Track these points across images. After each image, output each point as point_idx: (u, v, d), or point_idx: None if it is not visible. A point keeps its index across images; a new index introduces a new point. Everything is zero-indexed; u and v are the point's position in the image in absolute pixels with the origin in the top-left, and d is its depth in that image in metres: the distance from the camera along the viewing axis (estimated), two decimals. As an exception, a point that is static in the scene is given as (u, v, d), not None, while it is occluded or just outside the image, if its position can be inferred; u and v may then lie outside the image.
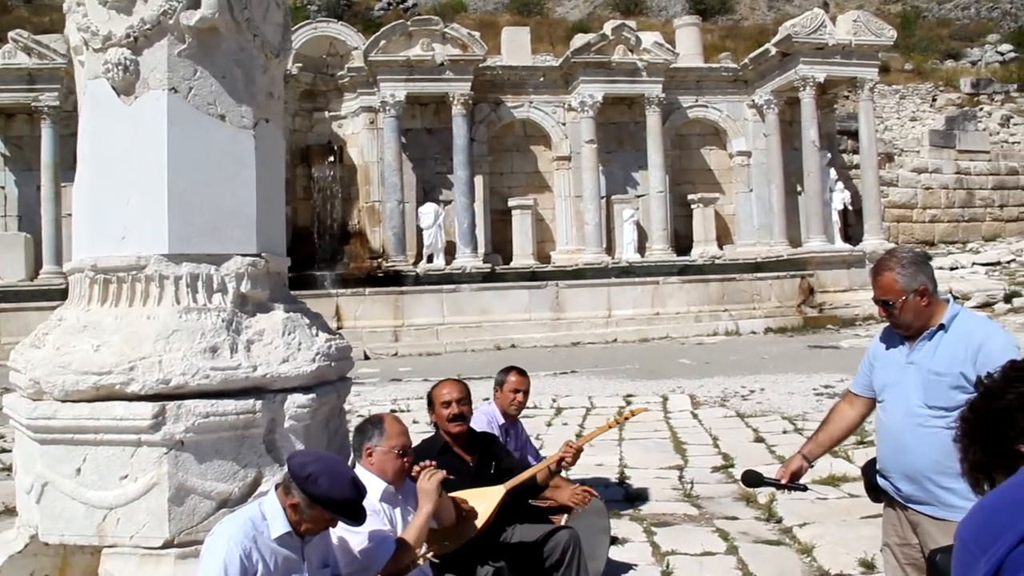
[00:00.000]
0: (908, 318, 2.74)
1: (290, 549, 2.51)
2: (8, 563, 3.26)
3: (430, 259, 18.22)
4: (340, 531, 2.73)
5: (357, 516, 2.51)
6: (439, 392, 3.66)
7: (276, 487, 2.57)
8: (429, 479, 2.93)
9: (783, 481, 3.09)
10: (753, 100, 20.15)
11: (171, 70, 3.36)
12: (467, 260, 18.04)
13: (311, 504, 2.47)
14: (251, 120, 3.52)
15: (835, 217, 19.37)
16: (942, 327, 2.71)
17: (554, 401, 9.74)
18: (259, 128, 3.57)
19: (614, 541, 4.59)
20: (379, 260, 18.65)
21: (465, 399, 3.63)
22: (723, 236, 20.06)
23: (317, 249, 18.79)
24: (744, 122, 20.41)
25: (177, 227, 3.34)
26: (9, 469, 5.04)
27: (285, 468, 2.63)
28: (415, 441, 3.28)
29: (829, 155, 19.91)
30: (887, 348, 2.87)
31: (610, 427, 3.74)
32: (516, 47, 20.54)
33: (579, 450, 3.57)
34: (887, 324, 2.88)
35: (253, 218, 3.50)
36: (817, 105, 19.01)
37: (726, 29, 35.26)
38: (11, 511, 3.84)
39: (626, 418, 3.82)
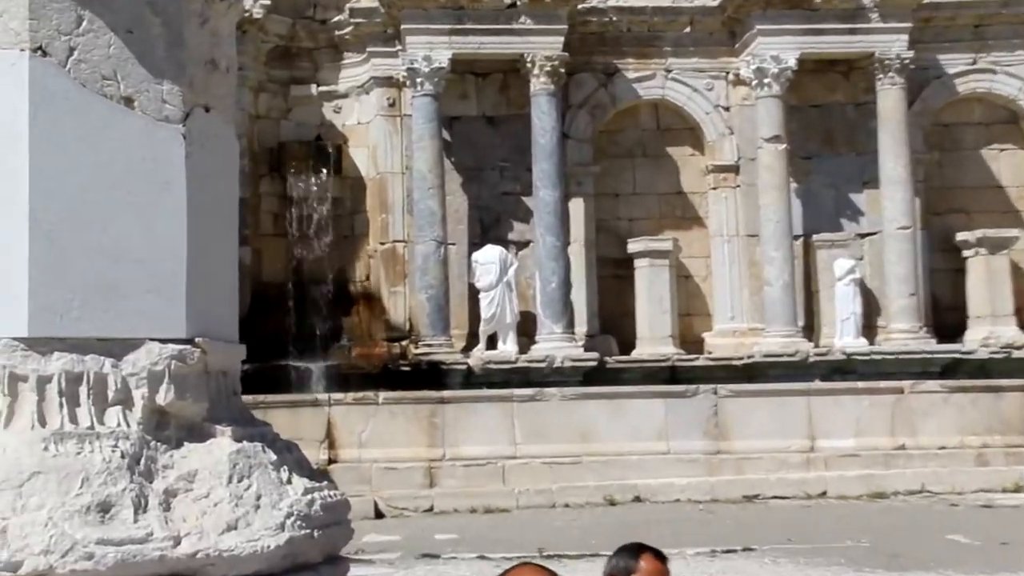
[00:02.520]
0: None
1: None
2: None
3: (492, 343, 18.25)
4: None
5: None
6: None
7: None
8: None
9: None
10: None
11: (35, 16, 3.42)
12: (556, 345, 18.06)
13: None
14: (179, 107, 3.62)
15: None
16: None
17: (713, 606, 9.45)
18: (193, 121, 3.66)
19: None
20: (403, 343, 18.80)
21: None
22: (1027, 306, 19.53)
23: (296, 323, 19.04)
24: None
25: (44, 291, 3.40)
26: None
27: None
28: None
29: None
30: None
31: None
32: (643, -25, 20.80)
33: None
34: None
35: (181, 276, 3.57)
36: None
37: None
38: None
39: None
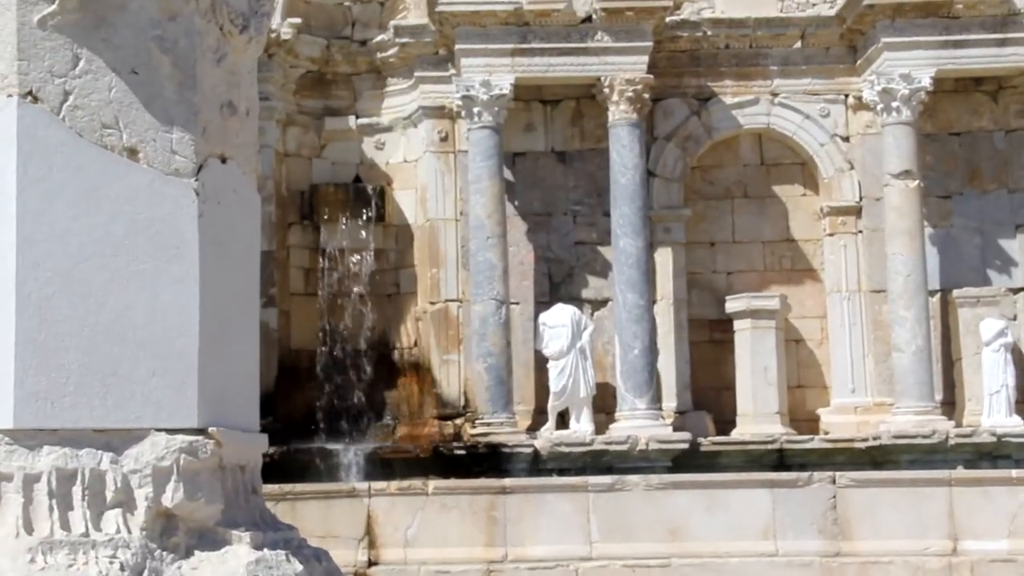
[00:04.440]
0: None
1: None
2: None
3: (562, 421, 18.29)
4: None
5: None
6: None
7: None
8: None
9: None
10: None
11: (24, 56, 3.48)
12: (640, 424, 18.06)
13: None
14: (191, 159, 3.65)
15: None
16: None
17: None
18: (207, 174, 3.69)
19: None
20: (457, 421, 18.91)
21: None
22: None
23: (329, 395, 19.16)
24: None
25: (33, 376, 3.44)
26: None
27: None
28: None
29: None
30: None
31: None
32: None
33: None
34: None
35: (193, 355, 3.59)
36: None
37: None
38: None
39: None
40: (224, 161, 3.79)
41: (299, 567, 3.64)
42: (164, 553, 3.46)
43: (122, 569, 3.35)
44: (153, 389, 3.55)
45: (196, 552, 3.50)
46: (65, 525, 3.40)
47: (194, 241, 3.61)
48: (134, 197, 3.56)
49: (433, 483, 17.35)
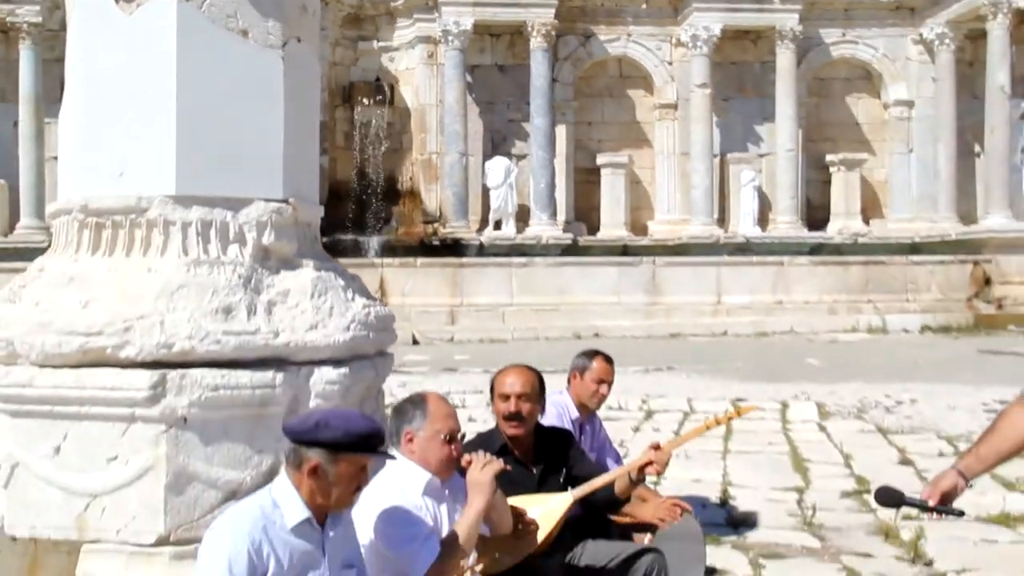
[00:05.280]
0: None
1: (308, 541, 2.48)
2: (-38, 564, 3.30)
3: (497, 226, 18.34)
4: (373, 533, 2.75)
5: (385, 443, 2.62)
6: (501, 380, 3.63)
7: (284, 466, 2.53)
8: (483, 469, 2.90)
9: (930, 503, 2.94)
10: (921, 34, 19.50)
11: None
12: (543, 228, 18.10)
13: (335, 456, 2.43)
14: (279, 38, 3.51)
15: (1025, 186, 18.69)
16: None
17: (644, 403, 9.69)
18: (289, 48, 3.55)
19: (711, 573, 4.53)
20: (435, 225, 18.86)
21: (530, 395, 3.56)
22: (870, 208, 19.66)
23: (359, 209, 19.07)
24: (906, 63, 19.82)
25: (187, 163, 3.35)
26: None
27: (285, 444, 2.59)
28: (468, 434, 3.25)
29: (1022, 105, 19.03)
30: None
31: (709, 428, 3.67)
32: (613, -36, 20.38)
33: (669, 454, 3.50)
34: None
35: (279, 156, 3.49)
36: (1011, 40, 18.14)
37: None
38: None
39: (730, 417, 3.73)
40: (299, 41, 3.63)
41: (342, 282, 3.58)
42: (263, 271, 3.39)
43: (239, 278, 3.31)
44: (256, 176, 3.46)
45: (281, 271, 3.43)
46: (206, 252, 3.33)
47: (280, 87, 3.51)
48: (246, 61, 3.46)
49: (420, 260, 17.49)
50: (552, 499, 3.39)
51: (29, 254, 15.43)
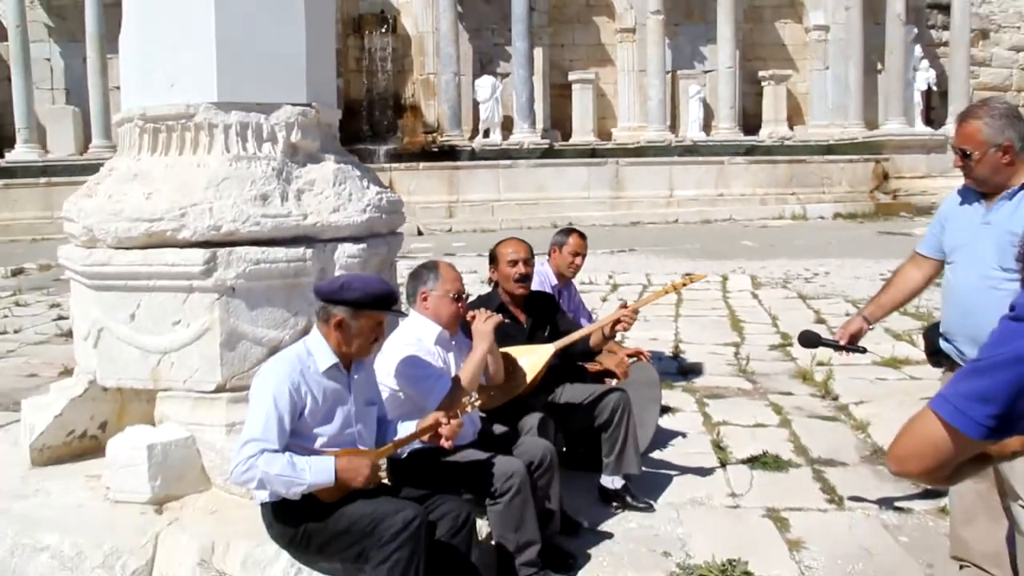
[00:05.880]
0: (984, 172, 2.62)
1: (337, 382, 2.56)
2: (70, 406, 3.39)
3: (486, 134, 17.97)
4: (395, 375, 2.81)
5: (398, 303, 2.67)
6: (504, 250, 3.60)
7: (316, 322, 2.60)
8: (485, 322, 2.99)
9: (841, 342, 3.04)
10: (837, -33, 18.83)
11: None
12: (524, 135, 17.75)
13: (356, 313, 2.50)
14: None
15: (917, 98, 18.60)
16: None
17: (610, 278, 9.74)
18: None
19: (665, 411, 4.62)
20: (434, 134, 18.44)
21: (529, 260, 3.59)
22: (795, 116, 19.33)
23: (370, 123, 18.62)
24: (825, -8, 19.19)
25: (226, 75, 3.28)
26: (69, 335, 5.24)
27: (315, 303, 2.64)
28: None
29: (916, 31, 18.79)
30: (961, 208, 2.76)
31: (667, 292, 3.66)
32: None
33: (635, 312, 3.51)
34: (962, 184, 2.75)
35: (303, 66, 3.40)
36: (907, -27, 17.69)
37: None
38: (71, 373, 3.99)
39: (684, 284, 3.74)
40: (317, -38, 3.46)
41: (359, 172, 3.54)
42: (292, 164, 3.35)
43: (273, 170, 3.28)
44: (284, 83, 3.37)
45: (308, 164, 3.39)
46: (245, 149, 3.30)
47: (302, 8, 3.38)
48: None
49: (422, 164, 17.30)
50: (538, 349, 3.41)
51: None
